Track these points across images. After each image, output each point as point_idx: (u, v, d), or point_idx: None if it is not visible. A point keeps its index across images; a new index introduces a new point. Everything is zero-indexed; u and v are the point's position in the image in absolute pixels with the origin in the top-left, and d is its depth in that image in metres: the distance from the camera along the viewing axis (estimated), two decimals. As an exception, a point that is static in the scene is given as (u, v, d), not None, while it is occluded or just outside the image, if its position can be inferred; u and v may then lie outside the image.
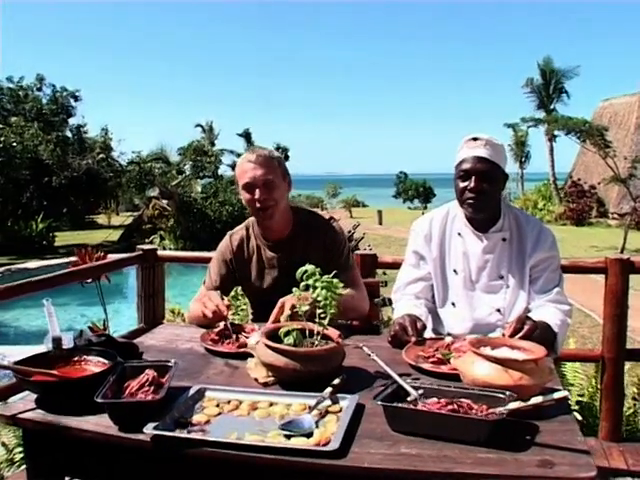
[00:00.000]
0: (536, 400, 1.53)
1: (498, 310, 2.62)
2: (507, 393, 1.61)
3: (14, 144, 21.24)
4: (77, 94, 25.95)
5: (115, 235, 23.61)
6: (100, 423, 1.68)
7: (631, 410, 3.84)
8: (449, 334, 2.65)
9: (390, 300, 2.89)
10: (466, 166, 2.55)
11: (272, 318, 2.31)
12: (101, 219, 30.70)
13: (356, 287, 2.68)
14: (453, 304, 2.70)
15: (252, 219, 2.81)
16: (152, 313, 4.33)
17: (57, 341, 2.06)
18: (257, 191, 2.59)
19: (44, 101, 25.11)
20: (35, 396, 1.84)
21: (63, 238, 22.88)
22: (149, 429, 1.58)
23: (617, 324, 3.52)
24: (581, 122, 21.26)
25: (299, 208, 2.84)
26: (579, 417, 3.74)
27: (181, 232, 21.72)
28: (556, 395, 1.51)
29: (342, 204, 42.78)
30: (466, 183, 2.56)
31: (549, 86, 37.18)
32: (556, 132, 24.73)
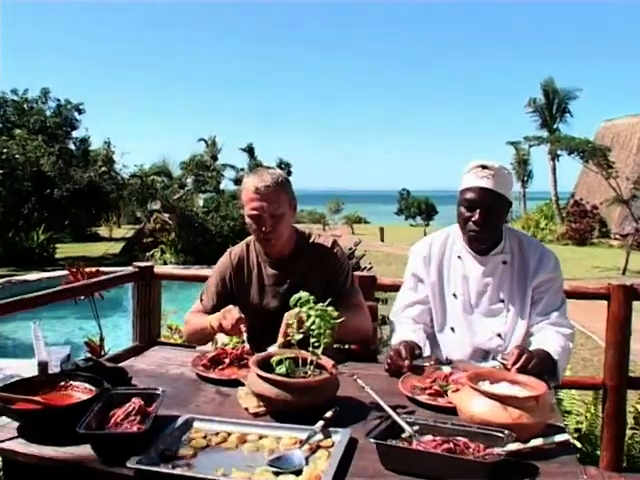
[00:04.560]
0: (536, 442, 1.47)
1: (499, 335, 2.57)
2: (506, 432, 1.55)
3: (17, 156, 21.21)
4: (81, 107, 25.90)
5: (117, 248, 23.51)
6: (83, 454, 1.63)
7: (630, 440, 3.76)
8: (448, 360, 2.61)
9: (389, 318, 2.84)
10: (471, 196, 2.50)
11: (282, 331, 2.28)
12: (103, 231, 30.61)
13: (360, 310, 2.69)
14: (452, 329, 2.64)
15: (253, 236, 2.76)
16: (148, 331, 4.27)
17: (43, 365, 2.00)
18: (263, 224, 2.54)
19: (48, 114, 25.10)
20: (17, 424, 1.79)
21: (64, 250, 22.78)
22: (133, 463, 1.52)
23: (619, 351, 3.45)
24: (584, 142, 21.26)
25: (302, 231, 2.79)
26: (578, 445, 3.66)
27: (182, 246, 21.60)
28: (557, 438, 1.45)
29: (344, 220, 42.67)
30: (470, 214, 2.50)
31: (552, 106, 37.28)
32: (559, 152, 24.74)
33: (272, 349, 2.25)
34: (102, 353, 4.91)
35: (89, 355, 4.87)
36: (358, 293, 2.77)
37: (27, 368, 2.11)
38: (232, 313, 2.43)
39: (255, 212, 2.54)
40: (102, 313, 5.13)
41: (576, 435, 3.75)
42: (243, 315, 2.43)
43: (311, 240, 2.75)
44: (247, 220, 2.61)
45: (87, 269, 5.11)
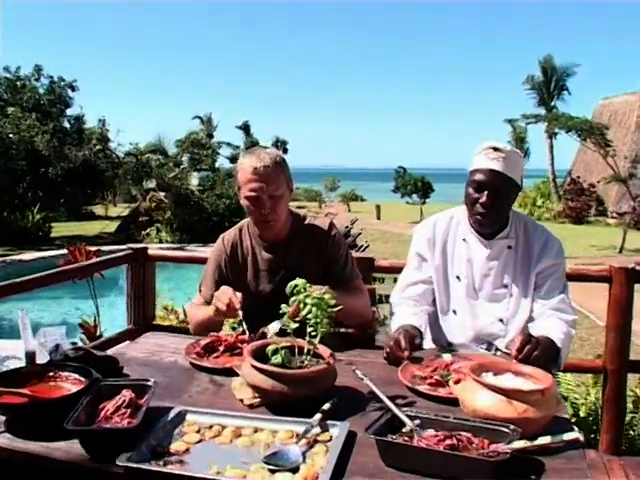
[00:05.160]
0: (544, 440, 1.41)
1: (500, 320, 2.53)
2: (511, 427, 1.49)
3: (10, 135, 21.03)
4: (74, 84, 25.56)
5: (112, 226, 23.44)
6: (72, 451, 1.56)
7: (629, 424, 3.74)
8: (450, 344, 2.58)
9: (387, 297, 2.79)
10: (480, 178, 2.45)
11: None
12: (98, 210, 30.50)
13: (360, 294, 2.65)
14: (454, 312, 2.61)
15: (247, 220, 2.70)
16: (142, 314, 4.21)
17: (30, 356, 1.94)
18: (262, 206, 2.47)
19: (41, 91, 24.79)
20: (3, 418, 1.72)
21: (59, 229, 22.71)
22: (122, 460, 1.45)
23: (620, 334, 3.41)
24: (582, 121, 21.14)
25: (298, 214, 2.72)
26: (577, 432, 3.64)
27: (178, 224, 21.55)
28: (566, 436, 1.39)
29: (340, 198, 42.60)
30: (478, 195, 2.46)
31: (550, 83, 37.08)
32: (557, 130, 24.64)
33: (272, 326, 2.17)
34: (97, 334, 4.87)
35: (83, 337, 4.83)
36: (358, 276, 2.72)
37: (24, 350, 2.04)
38: (225, 293, 2.37)
39: (254, 193, 2.46)
40: (99, 292, 5.08)
41: (574, 419, 3.72)
42: (238, 293, 2.37)
43: (307, 222, 2.69)
44: (244, 202, 2.53)
45: (88, 248, 5.07)
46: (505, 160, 2.41)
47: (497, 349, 2.46)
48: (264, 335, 2.19)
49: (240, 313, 2.32)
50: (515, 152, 2.47)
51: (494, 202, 2.43)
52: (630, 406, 3.77)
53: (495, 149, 2.43)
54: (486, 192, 2.43)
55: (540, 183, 35.17)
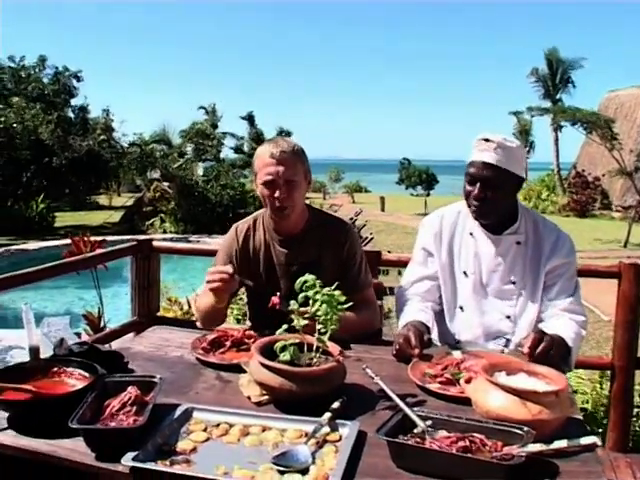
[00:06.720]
0: (560, 444, 1.37)
1: (508, 317, 2.49)
2: (525, 429, 1.45)
3: (14, 125, 20.98)
4: (79, 74, 25.47)
5: (116, 216, 23.44)
6: (76, 449, 1.53)
7: (636, 418, 3.71)
8: (457, 341, 2.54)
9: (392, 289, 2.75)
10: (472, 171, 2.42)
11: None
12: (102, 200, 30.50)
13: (367, 306, 2.54)
14: (461, 308, 2.56)
15: (262, 211, 2.63)
16: (147, 306, 4.19)
17: (34, 351, 1.91)
18: (277, 190, 2.39)
19: (46, 81, 24.72)
20: (6, 414, 1.69)
21: (63, 219, 22.73)
22: (127, 460, 1.42)
23: (629, 331, 3.39)
24: (589, 113, 21.01)
25: (314, 207, 2.67)
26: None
27: (182, 215, 21.53)
28: (583, 441, 1.35)
29: (344, 189, 42.57)
30: (471, 188, 2.43)
31: (555, 76, 36.90)
32: (562, 122, 24.51)
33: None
34: (101, 326, 4.86)
35: (87, 327, 4.82)
36: (370, 285, 2.64)
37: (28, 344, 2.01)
38: (212, 272, 2.25)
39: (270, 177, 2.39)
40: (102, 283, 5.07)
41: (582, 414, 3.69)
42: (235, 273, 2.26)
43: (325, 217, 2.63)
44: (260, 190, 2.46)
45: (92, 238, 5.06)
46: (497, 149, 2.35)
47: (515, 348, 2.41)
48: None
49: (237, 278, 2.24)
50: (507, 140, 2.40)
51: (485, 194, 2.39)
52: (637, 399, 3.74)
53: (486, 140, 2.38)
54: (478, 184, 2.40)
55: (545, 176, 35.07)
